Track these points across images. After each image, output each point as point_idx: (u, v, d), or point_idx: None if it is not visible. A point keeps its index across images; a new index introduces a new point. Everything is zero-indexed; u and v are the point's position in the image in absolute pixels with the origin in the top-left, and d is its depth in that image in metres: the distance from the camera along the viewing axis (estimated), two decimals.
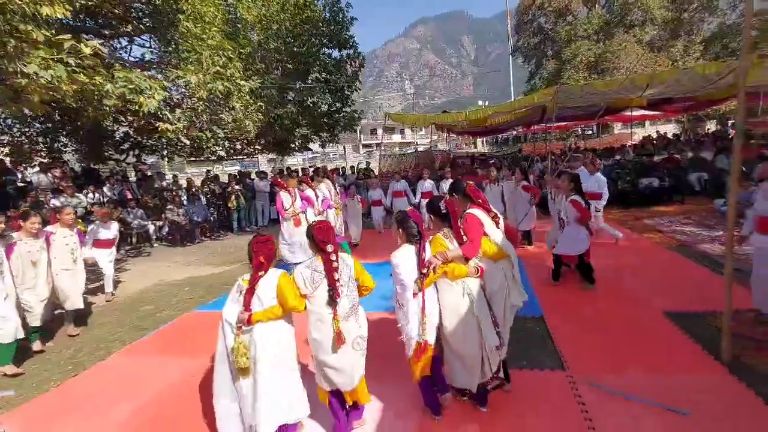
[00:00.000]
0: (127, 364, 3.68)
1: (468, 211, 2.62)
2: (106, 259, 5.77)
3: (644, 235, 6.34)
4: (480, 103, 54.79)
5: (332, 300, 2.23)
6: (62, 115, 9.47)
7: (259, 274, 2.26)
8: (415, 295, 2.33)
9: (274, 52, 11.05)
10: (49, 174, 10.20)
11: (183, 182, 13.02)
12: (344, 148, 37.03)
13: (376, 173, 13.63)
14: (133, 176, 12.90)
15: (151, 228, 10.00)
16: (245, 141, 13.72)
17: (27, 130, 10.56)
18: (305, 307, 2.29)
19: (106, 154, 11.95)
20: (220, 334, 2.25)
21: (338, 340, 2.22)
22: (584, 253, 4.28)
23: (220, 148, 13.37)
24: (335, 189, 7.69)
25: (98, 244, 5.73)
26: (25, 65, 3.69)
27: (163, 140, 12.04)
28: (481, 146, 36.71)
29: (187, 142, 11.83)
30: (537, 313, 3.79)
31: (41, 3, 3.16)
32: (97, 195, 10.33)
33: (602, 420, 2.29)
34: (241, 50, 7.98)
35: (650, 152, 11.34)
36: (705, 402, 2.36)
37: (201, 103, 7.44)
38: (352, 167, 16.78)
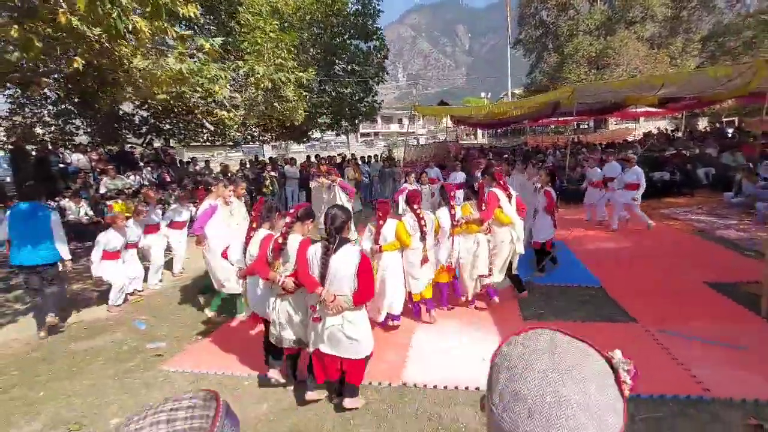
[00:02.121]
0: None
1: (491, 189, 4.04)
2: (178, 239, 6.33)
3: (664, 223, 7.16)
4: (483, 95, 55.13)
5: (422, 237, 3.65)
6: (80, 98, 9.61)
7: (380, 223, 3.60)
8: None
9: (308, 43, 11.49)
10: (86, 156, 10.57)
11: (214, 167, 13.48)
12: (347, 137, 37.25)
13: (397, 161, 14.26)
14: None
15: (192, 211, 10.51)
16: (263, 127, 14.09)
17: (39, 111, 10.65)
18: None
19: (122, 137, 12.19)
20: None
21: (424, 260, 3.72)
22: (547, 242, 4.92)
23: (240, 133, 13.79)
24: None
25: (175, 225, 6.30)
26: (165, 59, 4.21)
27: (180, 125, 12.45)
28: (481, 138, 37.32)
29: (211, 128, 12.25)
30: (596, 284, 4.56)
31: (180, 3, 3.65)
32: (137, 178, 10.76)
33: (683, 355, 3.04)
34: (293, 43, 8.44)
35: (662, 148, 12.15)
36: (754, 342, 3.13)
37: (260, 92, 7.96)
38: (373, 156, 17.24)
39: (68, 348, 3.95)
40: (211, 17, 8.97)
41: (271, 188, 11.86)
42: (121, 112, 11.43)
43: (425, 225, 3.65)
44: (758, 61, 8.55)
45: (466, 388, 2.89)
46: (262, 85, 7.57)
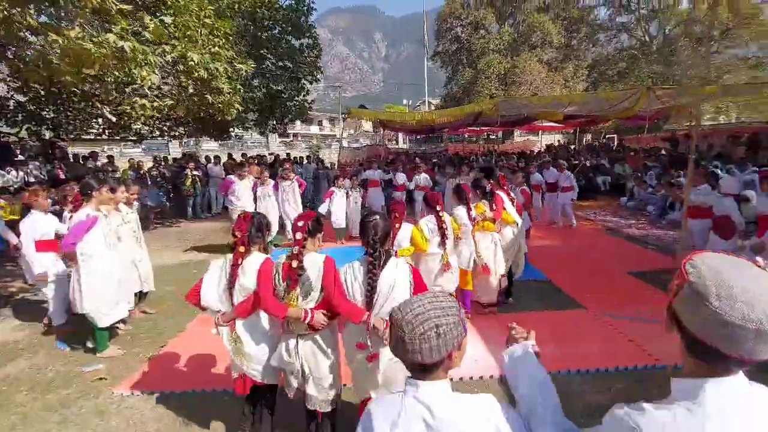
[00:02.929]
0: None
1: (497, 192, 4.14)
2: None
3: (580, 223, 8.21)
4: (404, 102, 56.98)
5: (443, 242, 3.36)
6: None
7: (396, 226, 3.19)
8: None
9: (236, 35, 10.78)
10: None
11: (119, 164, 11.85)
12: (267, 137, 35.59)
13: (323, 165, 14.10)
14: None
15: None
16: (176, 121, 12.80)
17: None
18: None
19: None
20: None
21: (446, 266, 3.39)
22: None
23: (148, 127, 12.36)
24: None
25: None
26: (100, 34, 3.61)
27: (68, 114, 10.74)
28: (402, 143, 38.67)
29: (112, 119, 10.81)
30: (544, 278, 5.05)
31: None
32: (20, 174, 9.07)
33: (631, 333, 3.52)
34: (230, 31, 7.84)
35: (567, 158, 13.86)
36: None
37: (190, 82, 7.24)
38: (305, 157, 16.70)
39: None
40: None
41: (192, 189, 10.86)
42: None
43: (447, 228, 3.38)
44: (642, 90, 10.27)
45: (461, 379, 2.99)
46: (196, 74, 6.91)
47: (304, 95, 14.28)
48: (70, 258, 3.47)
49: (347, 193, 7.59)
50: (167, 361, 3.43)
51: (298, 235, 2.06)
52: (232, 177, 6.44)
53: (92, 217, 3.45)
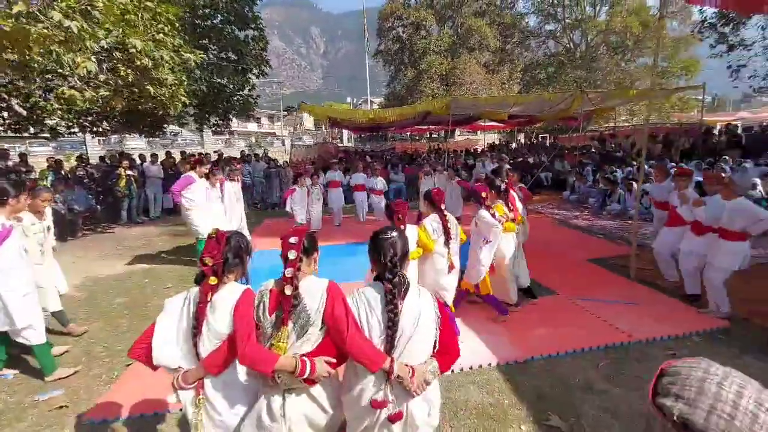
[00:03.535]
0: None
1: (510, 191, 4.00)
2: None
3: (532, 215, 8.72)
4: (348, 100, 56.44)
5: (447, 242, 3.25)
6: None
7: (402, 228, 2.79)
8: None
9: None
10: None
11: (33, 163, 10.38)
12: (202, 134, 33.36)
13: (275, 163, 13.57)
14: None
15: None
16: (100, 116, 11.51)
17: None
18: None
19: None
20: None
21: (451, 267, 3.28)
22: None
23: (65, 122, 11.02)
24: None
25: None
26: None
27: None
28: (347, 141, 38.42)
29: (23, 111, 9.50)
30: None
31: None
32: None
33: (602, 314, 3.81)
34: (176, 17, 7.18)
35: (510, 155, 14.66)
36: (638, 297, 4.15)
37: (130, 72, 6.53)
38: (253, 155, 15.78)
39: None
40: None
41: (127, 191, 9.87)
42: None
43: (451, 227, 3.26)
44: (577, 93, 11.17)
45: (461, 369, 3.03)
46: (138, 62, 6.26)
47: (249, 89, 13.62)
48: None
49: (308, 191, 7.39)
50: (137, 380, 3.07)
51: (292, 254, 1.56)
52: (191, 175, 5.87)
53: (7, 227, 2.92)
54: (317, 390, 1.61)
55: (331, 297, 1.58)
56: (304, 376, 1.51)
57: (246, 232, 6.96)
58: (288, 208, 7.32)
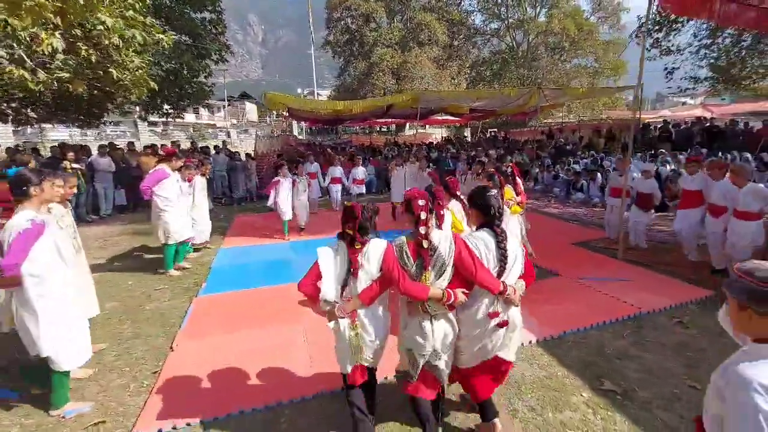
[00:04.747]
0: (198, 348, 3.40)
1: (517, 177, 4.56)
2: None
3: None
4: (299, 90, 54.69)
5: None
6: None
7: (442, 213, 3.01)
8: None
9: None
10: None
11: None
12: (137, 124, 30.61)
13: (240, 155, 12.90)
14: None
15: None
16: (24, 102, 10.15)
17: None
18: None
19: None
20: None
21: None
22: None
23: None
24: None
25: None
26: None
27: None
28: (297, 134, 37.36)
29: None
30: None
31: None
32: None
33: (608, 291, 4.21)
34: None
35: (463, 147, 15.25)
36: (630, 275, 4.63)
37: (94, 52, 5.84)
38: (212, 147, 14.75)
39: None
40: None
41: (77, 186, 8.85)
42: None
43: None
44: (534, 89, 11.91)
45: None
46: (107, 42, 5.63)
47: (205, 76, 12.77)
48: (11, 284, 2.44)
49: (294, 182, 7.12)
50: (173, 386, 2.86)
51: (423, 215, 1.99)
52: (164, 168, 5.39)
53: (39, 224, 2.48)
54: (451, 315, 2.12)
55: (457, 245, 2.05)
56: (449, 302, 2.00)
57: (208, 224, 6.57)
58: (270, 203, 6.90)
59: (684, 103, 29.61)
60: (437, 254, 2.01)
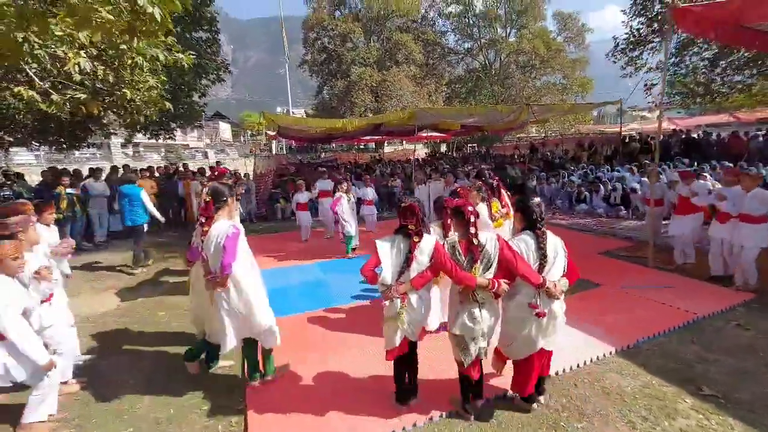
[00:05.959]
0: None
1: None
2: None
3: None
4: (279, 109, 54.29)
5: None
6: None
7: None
8: None
9: None
10: None
11: None
12: (109, 145, 29.33)
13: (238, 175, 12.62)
14: None
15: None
16: (16, 127, 9.66)
17: None
18: None
19: None
20: None
21: None
22: None
23: None
24: None
25: None
26: None
27: None
28: (277, 150, 36.92)
29: None
30: None
31: None
32: None
33: (658, 298, 4.38)
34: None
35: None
36: (667, 281, 4.85)
37: (111, 72, 5.64)
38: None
39: None
40: None
41: (71, 213, 8.38)
42: None
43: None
44: (524, 105, 12.42)
45: (591, 360, 3.26)
46: (130, 61, 5.46)
47: (199, 96, 12.52)
48: (222, 284, 2.75)
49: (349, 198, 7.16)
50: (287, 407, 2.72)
51: (472, 218, 2.47)
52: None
53: (237, 230, 2.83)
54: (496, 304, 2.57)
55: (500, 244, 2.47)
56: (494, 290, 2.41)
57: None
58: (340, 220, 6.96)
59: (643, 117, 31.63)
60: (485, 250, 2.44)
